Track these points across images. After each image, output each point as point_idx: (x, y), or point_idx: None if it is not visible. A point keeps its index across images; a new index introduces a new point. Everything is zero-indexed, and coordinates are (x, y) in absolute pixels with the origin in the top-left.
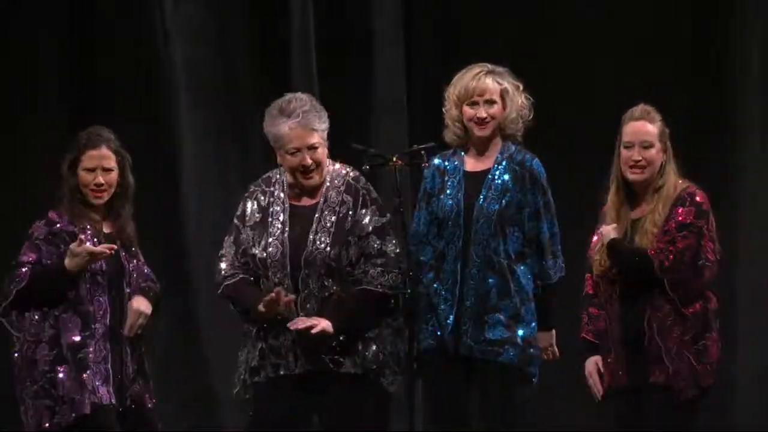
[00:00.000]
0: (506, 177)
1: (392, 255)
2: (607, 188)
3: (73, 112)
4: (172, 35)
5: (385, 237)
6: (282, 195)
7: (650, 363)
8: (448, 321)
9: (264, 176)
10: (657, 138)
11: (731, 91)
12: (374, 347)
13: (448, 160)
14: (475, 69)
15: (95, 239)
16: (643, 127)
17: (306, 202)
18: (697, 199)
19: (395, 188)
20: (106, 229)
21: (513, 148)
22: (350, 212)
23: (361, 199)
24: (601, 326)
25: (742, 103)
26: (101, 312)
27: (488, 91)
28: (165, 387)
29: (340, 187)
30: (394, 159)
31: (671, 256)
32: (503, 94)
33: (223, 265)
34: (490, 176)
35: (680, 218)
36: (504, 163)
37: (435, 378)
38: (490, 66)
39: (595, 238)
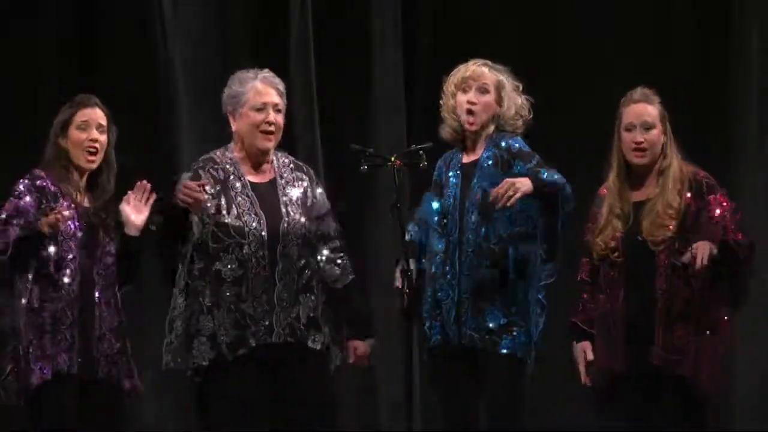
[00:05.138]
0: (490, 162)
1: (342, 237)
2: (608, 170)
3: None
4: (172, 35)
5: (334, 219)
6: (236, 171)
7: (656, 349)
8: (450, 312)
9: (203, 157)
10: (658, 119)
11: (731, 91)
12: (327, 328)
13: (453, 154)
14: (474, 60)
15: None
16: (644, 109)
17: (261, 178)
18: (717, 185)
19: (394, 189)
20: (86, 203)
21: (501, 135)
22: (309, 188)
23: (314, 178)
24: (595, 312)
25: (742, 103)
26: (68, 278)
27: (483, 77)
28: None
29: (289, 165)
30: (393, 159)
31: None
32: (499, 86)
33: None
34: (478, 166)
35: (724, 206)
36: (490, 150)
37: (442, 375)
38: (490, 62)
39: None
